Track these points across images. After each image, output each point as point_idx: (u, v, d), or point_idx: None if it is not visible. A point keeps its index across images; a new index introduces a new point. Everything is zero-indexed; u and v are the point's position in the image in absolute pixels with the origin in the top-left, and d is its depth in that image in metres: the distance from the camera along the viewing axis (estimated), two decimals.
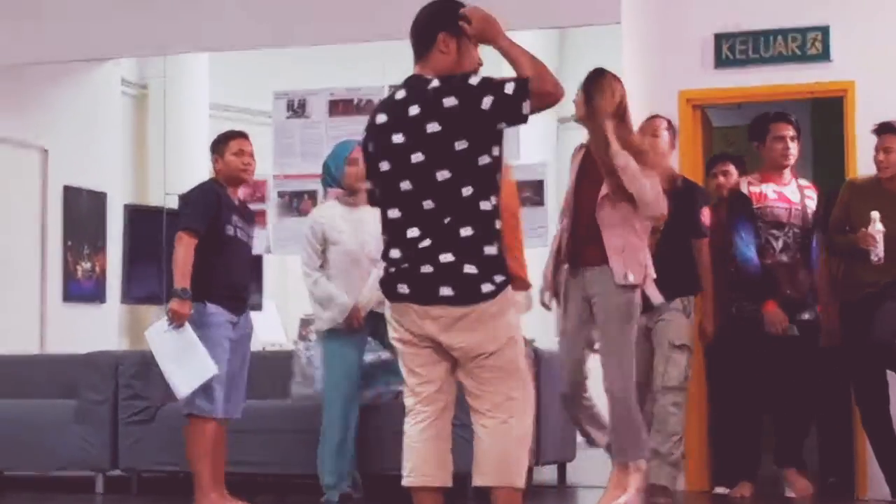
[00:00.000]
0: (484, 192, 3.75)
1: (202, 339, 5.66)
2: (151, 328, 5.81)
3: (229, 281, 5.78)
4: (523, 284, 5.49)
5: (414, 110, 3.76)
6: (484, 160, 3.74)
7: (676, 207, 5.62)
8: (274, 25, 7.87)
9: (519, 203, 5.98)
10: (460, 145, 3.72)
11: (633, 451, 5.35)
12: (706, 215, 6.03)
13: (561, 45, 11.44)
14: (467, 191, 3.73)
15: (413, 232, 3.76)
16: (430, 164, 3.74)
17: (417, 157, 3.74)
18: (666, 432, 5.74)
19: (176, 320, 5.65)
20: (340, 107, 7.77)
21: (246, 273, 5.98)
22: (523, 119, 3.73)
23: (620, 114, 5.36)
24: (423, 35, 3.89)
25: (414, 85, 3.83)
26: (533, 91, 3.68)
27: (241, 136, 5.96)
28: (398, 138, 3.78)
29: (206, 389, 5.70)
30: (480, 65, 3.88)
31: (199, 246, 5.69)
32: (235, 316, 5.83)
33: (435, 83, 3.77)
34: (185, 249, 5.67)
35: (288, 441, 6.55)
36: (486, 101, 3.69)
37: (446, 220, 3.73)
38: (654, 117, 6.04)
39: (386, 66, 9.06)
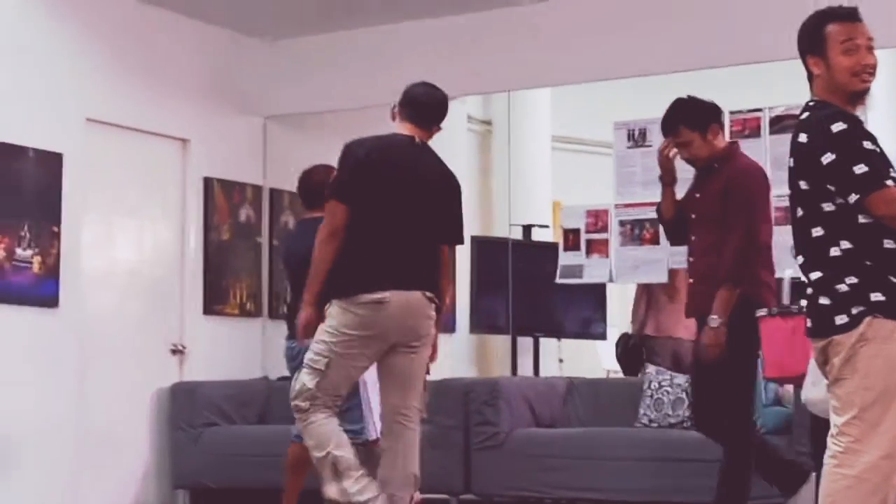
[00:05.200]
0: None
1: None
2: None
3: None
4: None
5: None
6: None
7: None
8: (611, 58, 7.98)
9: None
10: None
11: None
12: None
13: None
14: None
15: None
16: None
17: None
18: None
19: None
20: None
21: None
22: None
23: None
24: None
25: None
26: (869, 200, 3.68)
27: None
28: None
29: None
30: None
31: None
32: None
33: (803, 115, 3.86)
34: None
35: (636, 468, 6.60)
36: (826, 158, 3.73)
37: None
38: None
39: (727, 91, 9.01)
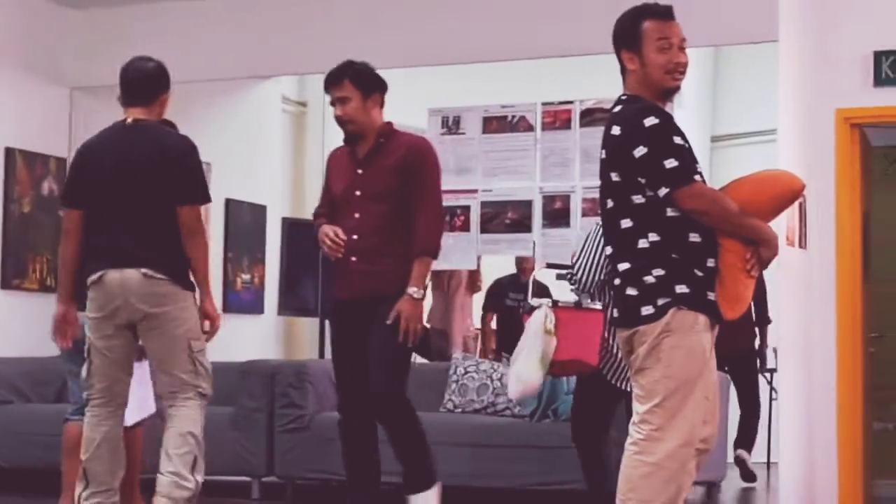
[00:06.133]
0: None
1: None
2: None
3: None
4: None
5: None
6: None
7: None
8: (429, 44, 8.01)
9: None
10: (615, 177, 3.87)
11: None
12: None
13: (716, 62, 11.35)
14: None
15: None
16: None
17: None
18: None
19: None
20: (494, 124, 7.84)
21: None
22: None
23: None
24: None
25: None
26: (678, 194, 3.79)
27: None
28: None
29: None
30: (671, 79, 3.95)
31: None
32: None
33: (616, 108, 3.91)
34: None
35: (441, 453, 6.66)
36: (638, 151, 3.80)
37: None
38: None
39: (540, 83, 9.15)
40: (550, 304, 5.37)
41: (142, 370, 5.46)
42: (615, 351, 5.18)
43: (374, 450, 5.28)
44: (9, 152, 8.18)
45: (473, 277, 9.12)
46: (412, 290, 5.12)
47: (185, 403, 4.97)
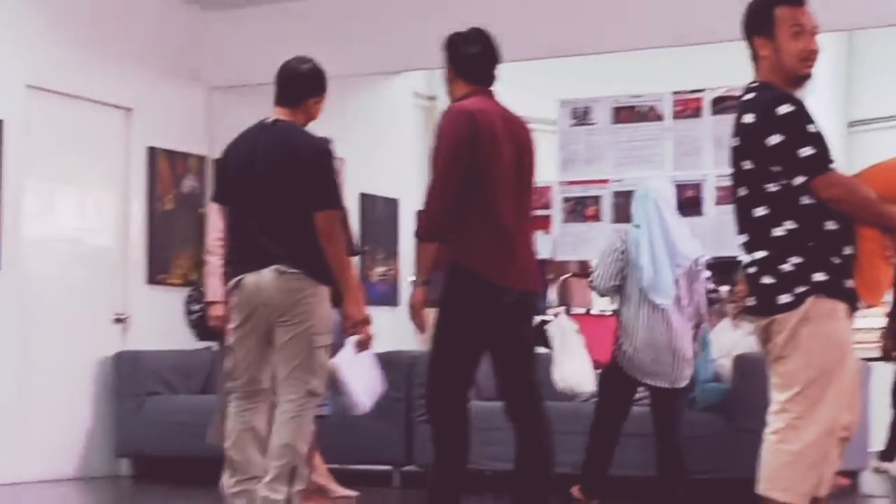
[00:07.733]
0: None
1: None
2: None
3: None
4: None
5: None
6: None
7: None
8: (558, 35, 8.03)
9: None
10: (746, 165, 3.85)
11: None
12: None
13: (850, 45, 11.16)
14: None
15: None
16: None
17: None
18: None
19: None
20: (624, 114, 7.85)
21: None
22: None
23: None
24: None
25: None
26: (815, 183, 3.77)
27: None
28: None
29: None
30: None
31: None
32: None
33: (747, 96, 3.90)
34: None
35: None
36: (772, 140, 3.78)
37: None
38: None
39: (668, 73, 9.11)
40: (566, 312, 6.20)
41: (359, 360, 5.75)
42: (624, 348, 5.93)
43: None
44: (151, 151, 8.43)
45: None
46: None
47: (288, 406, 4.97)
